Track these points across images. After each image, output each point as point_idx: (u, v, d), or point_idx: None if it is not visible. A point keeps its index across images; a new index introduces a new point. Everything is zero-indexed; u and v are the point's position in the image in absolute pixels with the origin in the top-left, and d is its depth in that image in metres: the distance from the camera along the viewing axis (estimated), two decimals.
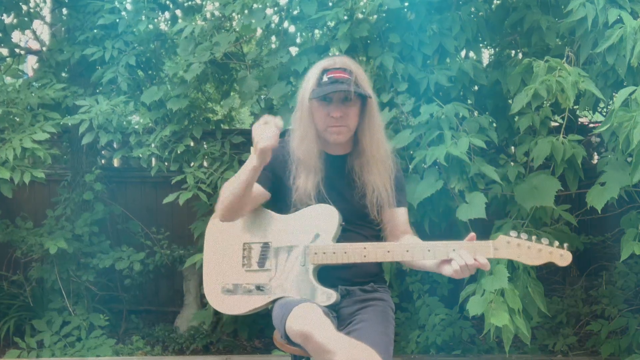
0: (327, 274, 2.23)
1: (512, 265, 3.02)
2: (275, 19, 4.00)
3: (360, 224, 2.30)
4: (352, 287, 2.29)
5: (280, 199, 2.33)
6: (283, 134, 2.24)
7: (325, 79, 2.19)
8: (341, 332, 2.18)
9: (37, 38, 4.86)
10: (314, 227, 2.22)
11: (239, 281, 2.30)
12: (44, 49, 4.70)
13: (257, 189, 2.26)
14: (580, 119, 4.34)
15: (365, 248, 2.15)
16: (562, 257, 2.00)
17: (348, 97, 2.19)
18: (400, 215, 2.38)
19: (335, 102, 2.21)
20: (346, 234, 2.24)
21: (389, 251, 2.13)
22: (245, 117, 7.23)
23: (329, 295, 2.16)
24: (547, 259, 2.00)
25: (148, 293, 5.15)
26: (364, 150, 2.28)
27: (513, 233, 2.03)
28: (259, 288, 2.27)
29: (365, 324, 2.18)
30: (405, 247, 2.13)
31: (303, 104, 2.24)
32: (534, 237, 2.02)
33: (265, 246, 2.28)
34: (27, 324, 4.49)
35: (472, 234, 2.11)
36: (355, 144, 2.32)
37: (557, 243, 2.01)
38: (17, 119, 3.99)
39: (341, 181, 2.29)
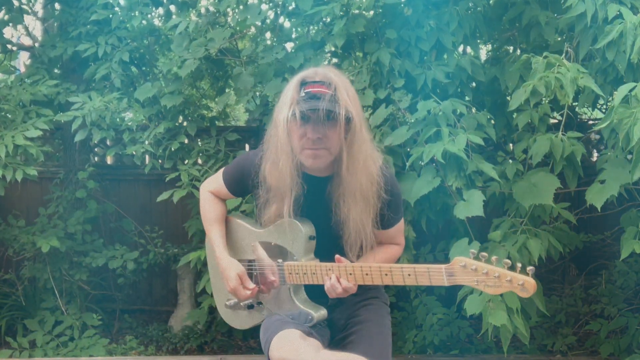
0: (316, 287, 2.14)
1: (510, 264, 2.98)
2: (271, 14, 3.96)
3: (334, 247, 2.14)
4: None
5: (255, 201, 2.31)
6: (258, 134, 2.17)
7: (302, 93, 1.94)
8: (338, 337, 2.19)
9: (29, 34, 4.81)
10: (285, 244, 2.15)
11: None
12: (37, 44, 4.65)
13: (227, 194, 2.35)
14: (579, 116, 4.31)
15: (329, 269, 2.04)
16: (523, 286, 1.72)
17: (330, 116, 1.93)
18: (386, 234, 2.24)
19: (313, 121, 1.95)
20: (323, 254, 2.13)
21: (351, 274, 2.01)
22: (241, 113, 7.20)
23: (309, 317, 2.11)
24: (506, 289, 1.75)
25: (142, 292, 5.10)
26: (343, 180, 2.03)
27: (472, 253, 1.81)
28: (254, 305, 2.28)
29: (360, 327, 2.16)
30: (366, 269, 1.99)
31: (277, 121, 2.00)
32: (494, 258, 1.79)
33: (251, 264, 2.26)
34: (19, 324, 4.44)
35: (337, 256, 2.02)
36: (335, 166, 2.06)
37: (519, 266, 1.76)
38: (9, 116, 3.94)
39: (318, 204, 2.12)
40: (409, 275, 1.92)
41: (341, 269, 2.02)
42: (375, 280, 1.99)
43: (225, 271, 2.22)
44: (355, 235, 2.09)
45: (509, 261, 1.77)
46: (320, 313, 2.13)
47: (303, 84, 1.98)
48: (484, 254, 1.80)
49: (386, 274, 1.96)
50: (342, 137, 1.98)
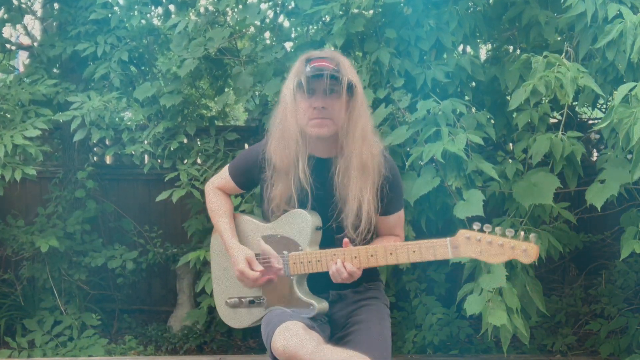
0: (318, 280, 2.18)
1: (510, 264, 2.98)
2: (270, 14, 3.96)
3: (339, 231, 2.18)
4: (344, 291, 2.25)
5: (261, 194, 2.35)
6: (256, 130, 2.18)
7: (308, 69, 2.05)
8: (337, 335, 2.18)
9: (28, 33, 4.80)
10: (291, 235, 2.18)
11: (239, 294, 2.34)
12: (35, 44, 4.64)
13: (234, 187, 2.40)
14: (579, 116, 4.30)
15: (334, 255, 2.07)
16: (526, 252, 1.77)
17: (333, 89, 2.05)
18: (386, 222, 2.27)
19: (318, 93, 2.06)
20: (328, 242, 2.16)
21: (356, 257, 2.05)
22: (240, 113, 7.20)
23: (310, 308, 2.13)
24: (510, 256, 1.80)
25: (141, 292, 5.09)
26: (344, 151, 2.11)
27: (476, 225, 1.85)
28: (255, 301, 2.28)
29: (360, 326, 2.16)
30: (371, 250, 2.03)
31: (285, 98, 2.11)
32: (498, 229, 1.82)
33: (256, 257, 2.27)
34: (18, 324, 4.43)
35: (345, 240, 2.06)
36: (338, 145, 2.14)
37: (522, 234, 1.81)
38: (8, 115, 3.93)
39: (323, 186, 2.18)
40: (414, 251, 1.96)
41: (346, 253, 2.05)
42: (380, 261, 2.02)
43: (234, 256, 2.24)
44: (357, 211, 2.12)
45: (512, 230, 1.81)
46: (322, 305, 2.15)
47: (308, 60, 2.09)
48: (488, 225, 1.84)
49: (391, 253, 2.00)
50: (344, 108, 2.09)
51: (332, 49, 3.72)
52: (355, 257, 2.04)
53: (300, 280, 2.18)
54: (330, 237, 2.17)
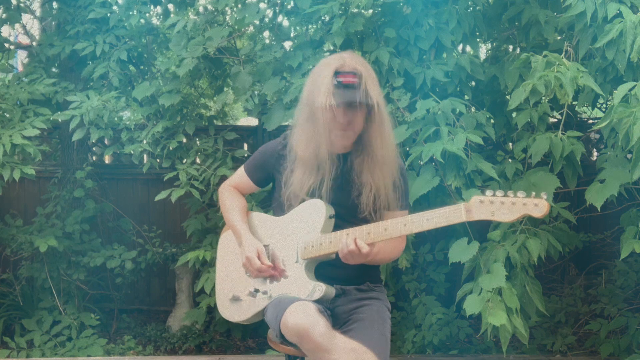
0: (322, 274, 2.21)
1: (509, 264, 2.98)
2: (269, 13, 3.95)
3: (354, 222, 2.21)
4: (347, 287, 2.27)
5: (274, 190, 2.39)
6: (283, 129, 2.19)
7: (335, 81, 2.07)
8: (338, 330, 2.17)
9: (27, 32, 4.80)
10: (304, 223, 2.21)
11: (243, 287, 2.35)
12: (34, 43, 4.63)
13: (249, 184, 2.45)
14: (579, 115, 4.29)
15: (347, 234, 2.11)
16: (537, 206, 1.85)
17: (362, 107, 2.10)
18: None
19: (344, 108, 2.10)
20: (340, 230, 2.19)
21: (369, 233, 2.08)
22: (239, 112, 7.20)
23: (318, 289, 2.13)
24: (522, 212, 1.86)
25: (140, 292, 5.08)
26: (370, 150, 2.18)
27: (489, 192, 1.91)
28: (259, 290, 2.29)
29: (361, 324, 2.16)
30: (383, 225, 2.07)
31: (313, 106, 2.11)
32: (510, 192, 1.90)
33: (265, 249, 2.30)
34: (16, 324, 4.42)
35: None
36: (358, 142, 2.21)
37: (533, 194, 1.89)
38: (7, 115, 3.92)
39: (340, 178, 2.22)
40: (428, 220, 2.00)
41: (358, 229, 2.09)
42: (394, 232, 2.04)
43: (245, 244, 2.28)
44: (374, 194, 2.18)
45: (523, 192, 1.88)
46: (330, 289, 2.15)
47: (336, 73, 2.09)
48: (500, 191, 1.90)
49: (405, 225, 2.04)
50: (365, 119, 2.15)
51: (332, 48, 3.73)
52: (369, 233, 2.07)
53: (309, 266, 2.20)
54: (346, 227, 2.18)
